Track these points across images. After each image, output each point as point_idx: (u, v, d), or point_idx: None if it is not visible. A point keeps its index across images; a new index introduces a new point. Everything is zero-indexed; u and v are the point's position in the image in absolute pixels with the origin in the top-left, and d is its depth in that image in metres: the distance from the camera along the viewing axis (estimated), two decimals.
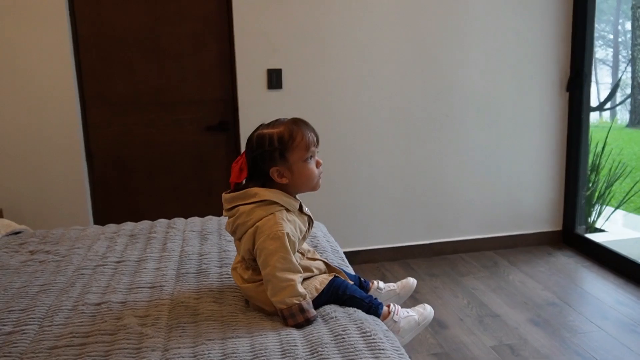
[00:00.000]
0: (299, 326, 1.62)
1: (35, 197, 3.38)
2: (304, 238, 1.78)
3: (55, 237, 2.40)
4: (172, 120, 3.54)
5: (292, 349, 1.48)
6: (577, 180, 3.97)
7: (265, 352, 1.47)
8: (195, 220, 2.58)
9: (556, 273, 3.63)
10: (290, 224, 1.69)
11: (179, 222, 2.55)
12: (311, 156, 1.71)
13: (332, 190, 3.72)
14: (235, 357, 1.45)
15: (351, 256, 3.82)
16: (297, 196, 1.80)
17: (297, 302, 1.63)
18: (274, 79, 3.52)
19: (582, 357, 2.69)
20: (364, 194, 3.78)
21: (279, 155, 1.68)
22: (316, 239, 2.28)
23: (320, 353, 1.46)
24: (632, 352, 2.71)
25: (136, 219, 2.96)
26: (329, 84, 3.60)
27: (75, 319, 1.69)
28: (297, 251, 1.81)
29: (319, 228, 2.44)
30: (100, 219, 3.52)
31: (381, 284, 2.03)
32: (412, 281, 2.06)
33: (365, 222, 3.82)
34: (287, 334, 1.57)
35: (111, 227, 2.51)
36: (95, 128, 3.47)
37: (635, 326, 2.95)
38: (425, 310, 1.87)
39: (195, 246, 2.25)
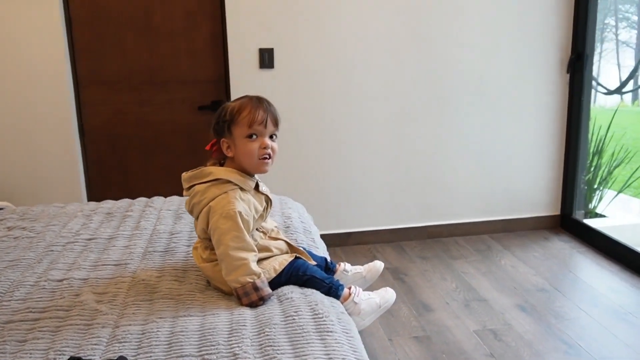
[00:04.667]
0: (253, 305, 1.63)
1: (28, 175, 3.42)
2: (261, 217, 1.77)
3: (35, 214, 2.43)
4: (164, 100, 3.54)
5: (240, 329, 1.48)
6: (577, 164, 3.89)
7: (213, 332, 1.47)
8: (174, 199, 2.59)
9: (550, 258, 3.58)
10: (244, 203, 1.69)
11: (158, 200, 2.56)
12: (254, 134, 1.69)
13: (325, 171, 3.70)
14: (182, 335, 1.46)
15: (344, 238, 3.82)
16: (257, 176, 1.80)
17: (251, 280, 1.63)
18: (266, 58, 3.49)
19: (566, 344, 2.65)
20: (357, 176, 3.75)
21: (227, 127, 1.68)
22: (289, 220, 2.28)
23: (267, 334, 1.46)
24: (618, 339, 2.67)
25: (130, 196, 2.98)
26: (322, 64, 3.56)
27: (35, 294, 1.71)
28: (259, 230, 1.81)
29: (295, 209, 2.44)
30: (95, 196, 3.55)
31: (347, 266, 2.02)
32: (378, 264, 2.05)
33: (358, 204, 3.80)
34: (240, 314, 1.57)
35: (90, 205, 2.53)
36: (89, 106, 3.49)
37: (625, 314, 2.90)
38: (387, 293, 1.86)
39: (168, 225, 2.26)
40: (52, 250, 2.03)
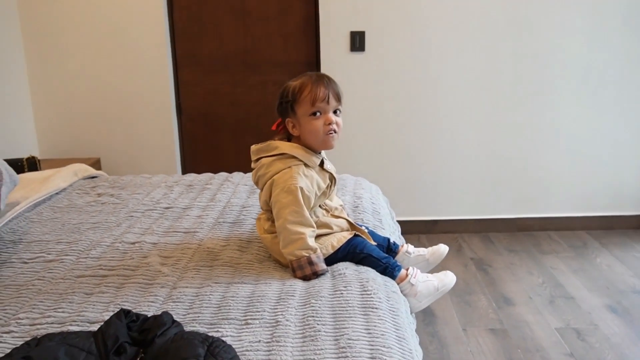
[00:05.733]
0: (306, 278, 1.64)
1: (129, 149, 3.66)
2: (324, 194, 1.78)
3: (123, 183, 2.60)
4: (257, 81, 3.65)
5: (287, 299, 1.51)
6: None
7: (262, 299, 1.50)
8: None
9: None
10: (307, 179, 1.70)
11: (237, 176, 2.65)
12: (318, 112, 1.69)
13: (413, 157, 3.64)
14: (232, 300, 1.51)
15: (430, 225, 3.75)
16: (323, 153, 1.81)
17: (307, 254, 1.64)
18: (357, 41, 3.48)
19: None
20: (446, 163, 3.65)
21: (291, 107, 1.70)
22: (360, 200, 2.26)
23: (312, 305, 1.47)
24: None
25: (220, 172, 3.10)
26: (413, 48, 3.49)
27: (109, 254, 1.83)
28: (322, 207, 1.82)
29: (368, 189, 2.42)
30: (188, 171, 3.72)
31: (410, 248, 1.98)
32: (443, 248, 1.98)
33: (446, 191, 3.70)
34: (291, 285, 1.59)
35: (174, 177, 2.66)
36: (186, 86, 3.67)
37: None
38: (447, 277, 1.80)
39: (242, 198, 2.32)
40: (132, 216, 2.16)
